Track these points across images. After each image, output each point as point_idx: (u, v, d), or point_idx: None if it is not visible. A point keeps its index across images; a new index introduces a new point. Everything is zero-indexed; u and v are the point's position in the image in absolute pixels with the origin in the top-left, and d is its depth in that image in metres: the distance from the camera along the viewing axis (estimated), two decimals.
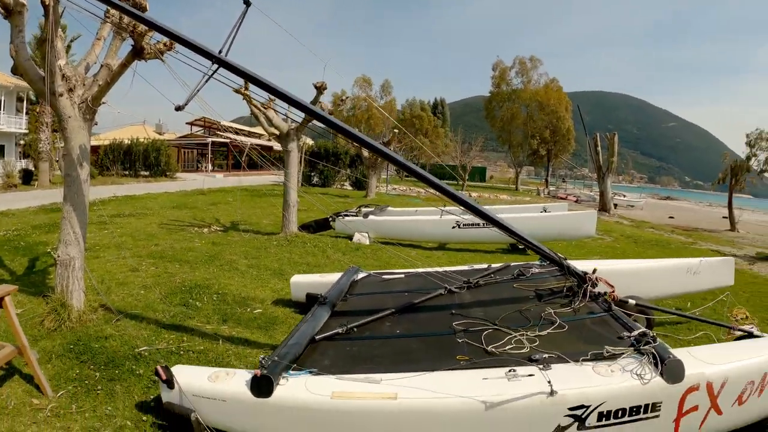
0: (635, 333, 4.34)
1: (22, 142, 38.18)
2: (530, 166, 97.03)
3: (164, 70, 6.04)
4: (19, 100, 39.65)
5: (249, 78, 5.07)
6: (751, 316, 7.95)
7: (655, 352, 3.99)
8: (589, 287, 5.55)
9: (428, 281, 6.69)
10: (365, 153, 31.63)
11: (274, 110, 13.90)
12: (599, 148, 34.88)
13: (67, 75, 6.41)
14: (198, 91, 5.08)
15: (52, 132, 32.54)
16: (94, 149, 46.12)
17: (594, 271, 5.90)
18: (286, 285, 8.02)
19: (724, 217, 31.23)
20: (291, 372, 4.11)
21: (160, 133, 60.11)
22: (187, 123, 59.68)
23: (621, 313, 5.05)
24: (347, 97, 15.18)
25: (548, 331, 4.74)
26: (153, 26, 5.52)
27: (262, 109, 13.70)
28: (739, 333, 5.48)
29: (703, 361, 4.09)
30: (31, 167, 33.46)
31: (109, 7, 6.11)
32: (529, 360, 4.11)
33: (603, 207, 33.99)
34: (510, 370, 3.95)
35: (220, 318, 7.04)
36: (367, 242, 13.64)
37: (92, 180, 33.94)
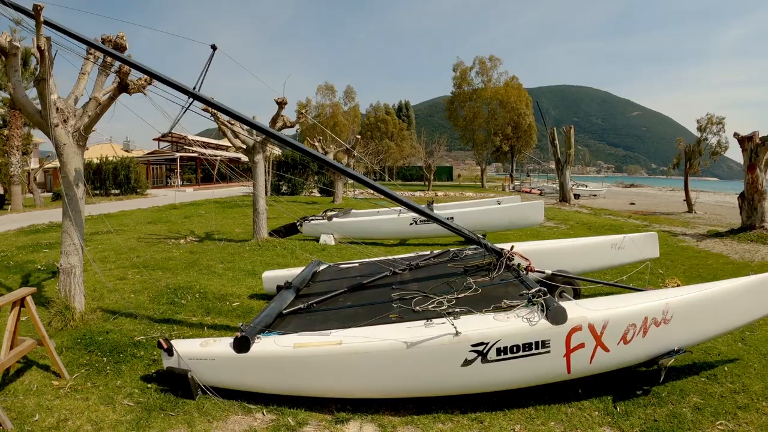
0: (533, 290, 5.24)
1: None
2: (498, 163, 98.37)
3: (136, 96, 7.25)
4: None
5: (218, 108, 6.18)
6: (682, 283, 9.17)
7: (543, 302, 4.95)
8: (505, 261, 6.77)
9: (378, 267, 7.99)
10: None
11: (240, 126, 14.93)
12: (556, 142, 35.92)
13: (61, 108, 7.41)
14: (178, 121, 6.19)
15: (22, 155, 32.76)
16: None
17: (512, 248, 7.08)
18: (260, 282, 9.08)
19: (683, 201, 32.51)
20: (264, 333, 5.31)
21: (128, 151, 60.43)
22: (154, 139, 59.94)
23: (527, 278, 6.23)
24: (306, 111, 15.81)
25: (465, 294, 5.89)
26: (133, 66, 6.63)
27: (228, 124, 14.71)
28: None
29: (586, 308, 5.00)
30: (1, 191, 33.60)
31: (89, 47, 7.14)
32: (445, 313, 5.18)
33: (563, 197, 34.98)
34: (427, 321, 5.09)
35: (204, 311, 8.15)
36: (333, 243, 14.81)
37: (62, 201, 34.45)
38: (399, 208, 17.66)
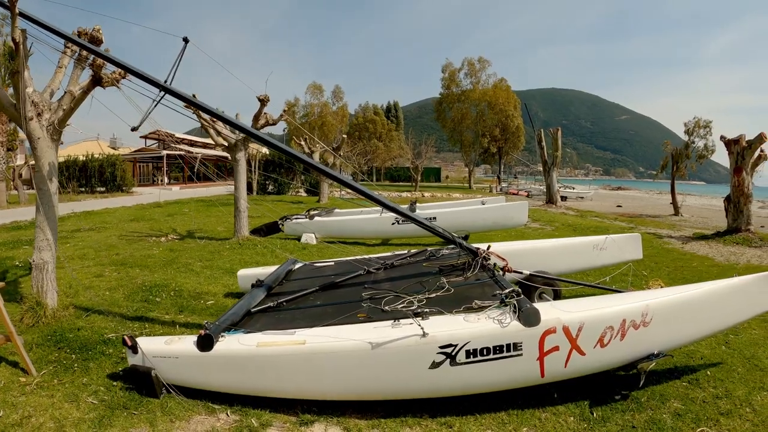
0: (506, 291, 5.10)
1: None
2: (487, 165, 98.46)
3: (118, 92, 7.16)
4: None
5: (190, 103, 6.10)
6: (666, 285, 9.16)
7: (515, 303, 4.79)
8: (480, 260, 6.62)
9: (353, 266, 7.90)
10: (316, 160, 32.52)
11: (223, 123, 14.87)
12: (543, 144, 35.96)
13: (36, 101, 7.33)
14: (149, 114, 6.12)
15: (6, 151, 32.54)
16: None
17: (488, 247, 6.99)
18: (237, 281, 8.94)
19: (670, 203, 32.66)
20: (228, 332, 5.23)
21: (114, 148, 59.93)
22: (141, 137, 59.69)
23: (502, 279, 6.03)
24: (294, 110, 15.76)
25: (437, 294, 5.74)
26: (106, 59, 6.58)
27: (210, 122, 14.63)
28: None
29: (561, 309, 4.86)
30: None
31: (65, 40, 7.05)
32: (413, 314, 5.00)
33: (550, 199, 34.98)
34: (395, 321, 4.98)
35: (177, 309, 8.07)
36: (314, 242, 14.75)
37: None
38: (379, 208, 17.71)
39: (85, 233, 17.08)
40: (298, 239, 15.15)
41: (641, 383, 5.19)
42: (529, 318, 4.69)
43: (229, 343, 5.02)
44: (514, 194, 52.27)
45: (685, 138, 32.17)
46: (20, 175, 36.88)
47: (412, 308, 5.28)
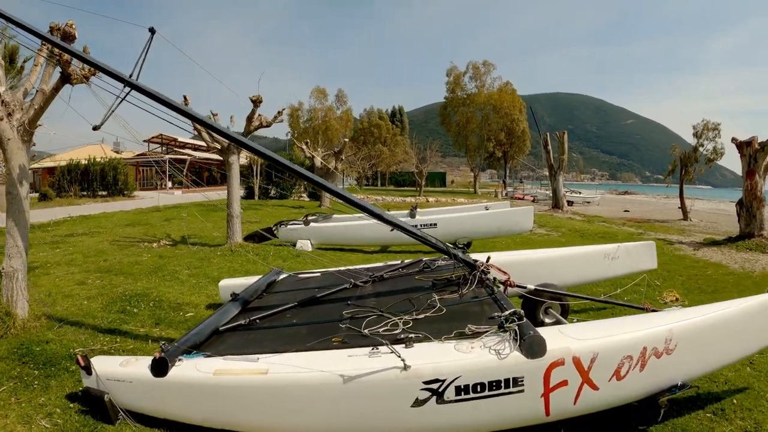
0: (505, 313, 4.39)
1: None
2: (493, 170, 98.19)
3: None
4: None
5: (157, 99, 5.60)
6: (681, 297, 8.64)
7: (516, 329, 4.12)
8: (478, 275, 5.95)
9: (339, 278, 7.19)
10: (317, 164, 32.16)
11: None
12: (549, 147, 35.49)
13: (6, 101, 6.96)
14: (112, 111, 5.66)
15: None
16: (51, 170, 46.07)
17: (488, 259, 6.36)
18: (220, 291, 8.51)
19: (678, 208, 32.05)
20: (187, 355, 4.64)
21: (117, 152, 59.87)
22: (144, 141, 59.44)
23: (502, 296, 5.28)
24: (280, 112, 15.32)
25: (426, 314, 5.06)
26: (69, 52, 6.16)
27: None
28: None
29: (571, 337, 4.19)
30: None
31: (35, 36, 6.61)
32: (395, 340, 4.40)
33: (556, 204, 34.43)
34: (373, 349, 4.27)
35: (154, 322, 7.63)
36: (310, 249, 14.23)
37: (49, 202, 34.11)
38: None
39: (78, 238, 16.75)
40: (294, 246, 14.62)
41: (660, 417, 4.52)
42: (533, 348, 4.02)
43: (185, 369, 4.45)
44: (519, 199, 51.80)
45: (693, 141, 31.60)
46: (6, 175, 36.38)
47: (395, 332, 4.67)
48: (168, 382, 4.39)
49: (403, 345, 4.30)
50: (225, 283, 7.92)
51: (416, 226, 13.95)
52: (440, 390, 3.96)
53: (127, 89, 5.63)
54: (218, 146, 14.43)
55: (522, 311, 4.39)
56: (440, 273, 6.92)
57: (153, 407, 4.61)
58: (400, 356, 4.03)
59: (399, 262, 8.05)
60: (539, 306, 6.50)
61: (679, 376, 4.31)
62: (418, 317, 5.05)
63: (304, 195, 44.05)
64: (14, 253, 7.21)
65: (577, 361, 4.05)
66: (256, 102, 13.80)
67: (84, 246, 14.76)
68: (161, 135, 58.13)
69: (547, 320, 6.54)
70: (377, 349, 4.29)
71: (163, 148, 60.19)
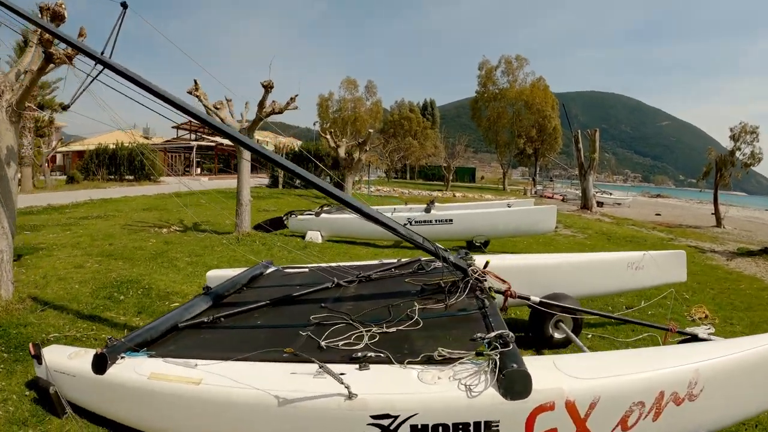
0: (490, 335, 3.73)
1: None
2: (524, 167, 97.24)
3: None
4: None
5: (133, 81, 5.24)
6: (712, 315, 7.86)
7: (496, 360, 3.41)
8: (470, 282, 5.23)
9: (326, 276, 6.60)
10: (341, 154, 31.88)
11: (216, 113, 14.29)
12: (580, 145, 34.64)
13: None
14: (83, 90, 5.40)
15: (35, 137, 32.94)
16: (80, 154, 46.65)
17: (486, 264, 5.72)
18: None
19: (712, 214, 30.93)
20: (130, 353, 4.27)
21: (147, 138, 60.40)
22: (173, 127, 59.87)
23: (493, 311, 4.55)
24: (296, 96, 15.01)
25: (399, 327, 4.43)
26: (40, 26, 5.95)
27: (214, 110, 14.00)
28: (682, 336, 5.09)
29: (567, 374, 3.40)
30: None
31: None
32: (350, 358, 3.82)
33: (585, 205, 33.58)
34: (321, 367, 3.61)
35: (137, 311, 7.42)
36: (320, 240, 13.93)
37: (75, 184, 34.46)
38: (393, 206, 16.82)
39: (92, 221, 16.74)
40: (303, 237, 14.36)
41: None
42: (514, 385, 3.25)
43: (123, 368, 4.10)
44: (548, 198, 51.00)
45: (729, 145, 30.47)
46: (47, 161, 37.13)
47: (356, 348, 4.04)
48: (105, 380, 4.07)
49: (357, 366, 3.69)
50: (213, 273, 7.45)
51: (431, 221, 13.74)
52: (391, 427, 3.32)
53: (100, 67, 5.33)
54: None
55: (510, 335, 3.68)
56: (433, 277, 6.08)
57: (94, 404, 4.36)
58: (341, 382, 3.36)
59: (395, 260, 7.30)
60: (549, 319, 5.96)
61: (703, 426, 3.55)
62: (388, 330, 4.39)
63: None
64: (0, 234, 7.08)
65: (571, 407, 3.28)
66: (267, 87, 13.47)
67: (95, 229, 14.70)
68: (190, 121, 58.38)
69: (556, 335, 6.11)
70: (326, 367, 3.64)
71: (192, 135, 60.39)
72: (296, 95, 14.19)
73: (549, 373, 3.42)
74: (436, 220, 13.94)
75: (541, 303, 5.55)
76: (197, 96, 13.70)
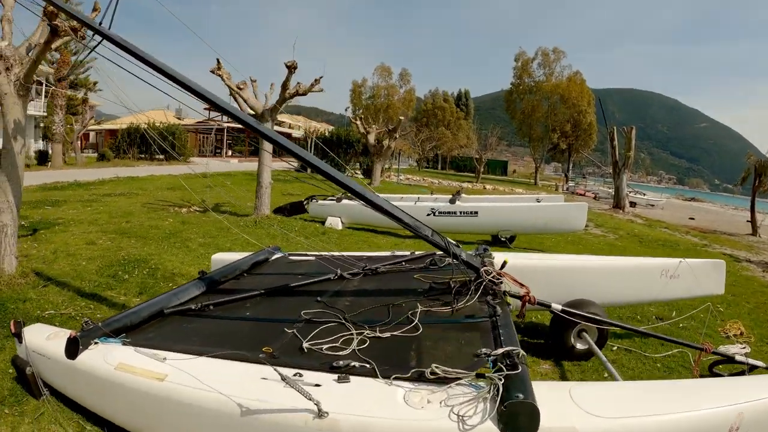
0: (496, 352, 3.22)
1: (42, 124, 39.02)
2: (558, 163, 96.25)
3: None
4: (38, 83, 40.53)
5: (132, 53, 4.97)
6: (747, 332, 7.18)
7: (500, 385, 2.84)
8: (483, 283, 4.58)
9: (329, 266, 6.09)
10: (370, 141, 31.64)
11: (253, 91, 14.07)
12: (615, 143, 33.77)
13: (6, 55, 6.80)
14: (80, 62, 5.20)
15: (66, 114, 33.31)
16: (113, 132, 47.11)
17: (503, 264, 5.06)
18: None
19: (747, 221, 29.85)
20: (104, 339, 4.03)
21: (179, 118, 60.69)
22: (204, 108, 59.96)
23: (506, 321, 3.92)
24: (320, 77, 14.71)
25: (395, 333, 3.93)
26: None
27: (236, 90, 13.76)
28: (716, 357, 4.71)
29: (585, 410, 2.82)
30: (48, 148, 34.44)
31: None
32: (330, 367, 3.35)
33: (617, 204, 32.69)
34: (297, 374, 3.21)
35: (138, 291, 7.24)
36: (340, 227, 13.65)
37: (106, 162, 34.82)
38: (417, 195, 16.48)
39: (114, 198, 16.74)
40: (323, 222, 14.07)
41: None
42: (517, 420, 2.69)
43: (94, 355, 3.83)
44: (580, 195, 50.20)
45: None
46: (78, 138, 37.56)
47: (341, 353, 3.58)
48: (75, 366, 3.83)
49: (336, 377, 3.20)
50: (218, 257, 7.15)
51: (455, 213, 13.33)
52: None
53: (98, 39, 5.05)
54: (252, 113, 14.00)
55: (521, 353, 3.15)
56: (445, 275, 5.39)
57: (66, 389, 4.14)
58: (309, 398, 2.87)
59: (408, 253, 6.74)
60: (571, 327, 5.43)
61: None
62: (381, 335, 3.90)
63: (359, 171, 43.57)
64: (5, 208, 7.05)
65: None
66: (291, 68, 13.15)
67: (115, 206, 14.66)
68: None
69: (579, 346, 5.58)
70: (301, 375, 3.22)
71: (224, 117, 60.54)
72: (321, 77, 13.89)
73: (562, 407, 2.86)
74: (460, 212, 13.44)
75: (563, 311, 4.88)
76: (219, 75, 13.47)
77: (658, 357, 5.59)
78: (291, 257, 7.00)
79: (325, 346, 3.69)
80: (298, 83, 13.68)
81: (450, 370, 3.07)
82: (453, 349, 3.61)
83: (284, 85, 13.41)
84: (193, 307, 4.80)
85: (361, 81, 70.33)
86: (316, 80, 13.88)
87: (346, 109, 50.32)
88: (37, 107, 38.99)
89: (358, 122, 32.76)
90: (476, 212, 13.28)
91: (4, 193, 7.03)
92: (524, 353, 3.21)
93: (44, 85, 40.16)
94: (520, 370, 2.95)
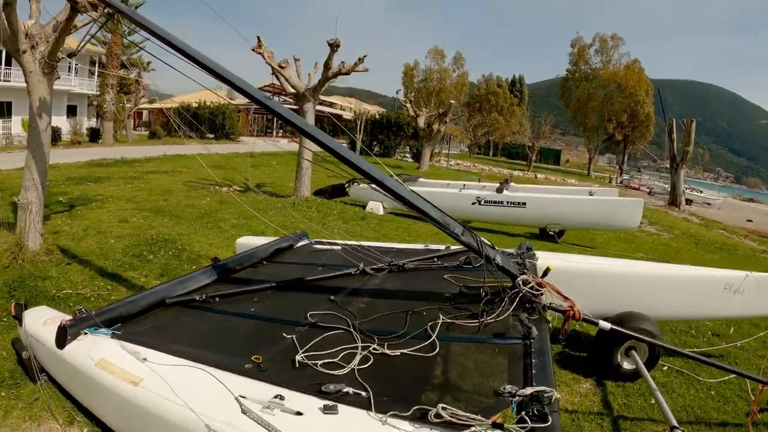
0: (528, 392, 2.64)
1: (95, 102, 39.74)
2: (612, 154, 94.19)
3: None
4: (92, 63, 41.32)
5: (145, 28, 4.61)
6: None
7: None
8: (521, 294, 3.89)
9: (359, 257, 5.58)
10: (420, 124, 31.18)
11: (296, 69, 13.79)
12: (674, 136, 32.44)
13: (32, 33, 6.83)
14: (91, 37, 4.95)
15: (117, 93, 33.87)
16: (163, 111, 47.77)
17: (546, 272, 4.24)
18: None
19: None
20: (94, 329, 3.74)
21: (231, 99, 60.98)
22: (259, 88, 60.18)
23: (542, 348, 3.26)
24: (364, 56, 14.23)
25: (404, 351, 3.35)
26: None
27: (278, 68, 13.45)
28: None
29: None
30: (100, 126, 35.17)
31: None
32: (319, 391, 2.83)
33: (673, 201, 31.41)
34: (277, 397, 2.75)
35: (159, 273, 7.03)
36: (381, 212, 13.24)
37: (156, 140, 35.31)
38: (463, 182, 15.90)
39: (157, 175, 16.79)
40: (364, 207, 13.66)
41: None
42: None
43: (81, 347, 3.56)
44: (634, 189, 48.80)
45: None
46: (129, 116, 38.29)
47: (337, 372, 3.08)
48: (62, 356, 3.60)
49: (323, 406, 2.68)
50: (242, 241, 6.85)
51: (501, 203, 12.71)
52: None
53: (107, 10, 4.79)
54: (293, 92, 13.69)
55: (555, 396, 2.58)
56: (479, 277, 4.62)
57: (57, 377, 3.96)
58: None
59: (443, 247, 6.08)
60: (619, 344, 4.80)
61: None
62: (390, 352, 3.34)
63: (408, 155, 43.13)
64: (30, 185, 7.06)
65: None
66: (333, 46, 12.75)
67: (156, 184, 14.63)
68: (272, 84, 58.61)
69: (626, 365, 4.89)
70: (282, 398, 2.74)
71: (275, 97, 60.71)
72: (365, 56, 13.47)
73: None
74: (508, 202, 12.70)
75: (613, 330, 4.06)
76: (260, 53, 13.16)
77: (713, 383, 4.93)
78: (316, 245, 6.54)
79: (320, 362, 3.18)
80: (342, 62, 13.32)
81: (461, 414, 2.48)
82: (471, 380, 3.03)
83: (327, 64, 13.05)
84: (197, 298, 4.47)
85: (413, 64, 69.65)
86: (360, 59, 13.47)
87: (397, 92, 49.77)
88: (90, 86, 39.82)
89: (408, 105, 32.33)
90: (524, 203, 12.55)
91: (30, 171, 7.03)
92: (558, 396, 2.63)
93: (97, 64, 40.92)
94: (549, 423, 2.40)
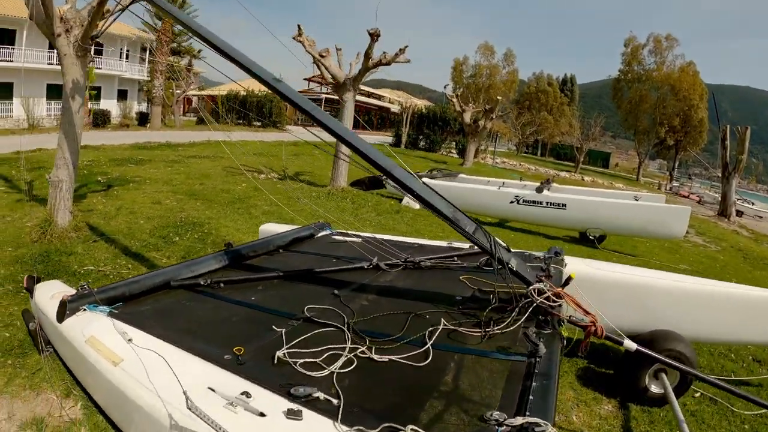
0: (518, 422, 2.31)
1: (144, 88, 40.59)
2: (663, 160, 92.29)
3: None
4: (143, 50, 42.16)
5: (169, 15, 4.59)
6: None
7: None
8: (534, 304, 3.53)
9: (377, 252, 5.34)
10: (466, 120, 30.87)
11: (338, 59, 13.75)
12: (727, 143, 31.36)
13: (66, 17, 7.03)
14: (114, 20, 4.97)
15: (166, 79, 34.56)
16: (213, 98, 48.44)
17: (568, 280, 3.90)
18: None
19: None
20: (92, 306, 3.67)
21: None
22: (304, 79, 60.71)
23: (548, 368, 2.92)
24: (406, 47, 13.97)
25: (393, 357, 3.11)
26: None
27: (319, 57, 13.41)
28: None
29: None
30: (149, 111, 36.16)
31: None
32: (288, 393, 2.62)
33: (723, 211, 30.29)
34: (244, 393, 2.58)
35: (182, 255, 7.04)
36: (417, 206, 13.07)
37: (204, 126, 35.86)
38: (502, 180, 15.62)
39: (198, 160, 17.00)
40: (400, 200, 13.48)
41: None
42: None
43: (77, 323, 3.52)
44: (683, 197, 47.42)
45: None
46: (177, 102, 39.05)
47: (318, 374, 2.88)
48: (60, 330, 3.61)
49: (287, 409, 2.46)
50: (266, 227, 6.77)
51: (540, 203, 12.31)
52: None
53: None
54: (333, 82, 13.65)
55: (550, 431, 2.24)
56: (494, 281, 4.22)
57: (58, 350, 3.98)
58: None
59: (467, 246, 5.64)
60: (648, 365, 4.30)
61: None
62: (378, 357, 3.10)
63: (454, 151, 42.79)
64: (61, 164, 7.24)
65: None
66: (374, 35, 12.64)
67: (196, 168, 14.77)
68: (321, 75, 59.10)
69: (653, 388, 4.38)
70: (248, 396, 2.56)
71: (322, 87, 61.02)
72: (406, 46, 13.29)
73: None
74: (547, 203, 12.16)
75: (637, 353, 3.69)
76: (300, 41, 13.15)
77: (748, 416, 4.41)
78: (335, 236, 6.40)
79: (300, 360, 2.97)
80: (384, 53, 13.21)
81: None
82: (458, 399, 2.74)
83: (367, 54, 12.95)
84: (202, 283, 4.38)
85: (463, 59, 69.07)
86: (401, 50, 13.30)
87: (445, 87, 49.32)
88: (139, 72, 40.72)
89: (455, 100, 32.01)
90: (564, 204, 12.01)
91: (62, 150, 7.19)
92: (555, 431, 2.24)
93: (147, 50, 41.75)
94: None
